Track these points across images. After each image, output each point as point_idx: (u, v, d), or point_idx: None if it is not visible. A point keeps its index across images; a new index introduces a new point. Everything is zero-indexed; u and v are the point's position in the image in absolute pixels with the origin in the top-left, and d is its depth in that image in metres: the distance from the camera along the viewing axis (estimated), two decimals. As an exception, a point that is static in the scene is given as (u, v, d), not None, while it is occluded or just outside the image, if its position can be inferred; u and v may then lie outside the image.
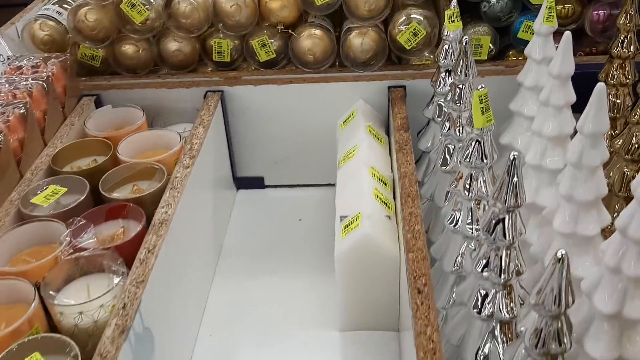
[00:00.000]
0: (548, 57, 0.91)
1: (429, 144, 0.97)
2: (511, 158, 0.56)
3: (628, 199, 0.87)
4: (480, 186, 0.71)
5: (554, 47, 0.91)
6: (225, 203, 1.12)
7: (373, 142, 0.96)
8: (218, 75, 1.09)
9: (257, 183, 1.17)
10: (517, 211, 0.58)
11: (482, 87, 0.67)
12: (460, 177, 0.73)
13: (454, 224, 0.75)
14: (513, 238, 0.59)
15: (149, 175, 0.88)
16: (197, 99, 1.07)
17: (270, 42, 1.08)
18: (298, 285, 0.96)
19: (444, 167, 0.85)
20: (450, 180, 0.86)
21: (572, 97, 0.81)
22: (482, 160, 0.70)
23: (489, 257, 0.61)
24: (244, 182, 1.17)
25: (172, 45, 1.10)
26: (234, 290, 0.96)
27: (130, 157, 0.93)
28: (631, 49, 0.89)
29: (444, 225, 0.78)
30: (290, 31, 1.06)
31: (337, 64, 1.10)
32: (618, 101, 0.92)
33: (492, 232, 0.59)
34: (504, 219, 0.58)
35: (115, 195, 0.82)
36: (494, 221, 0.59)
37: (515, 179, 0.56)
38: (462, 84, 0.80)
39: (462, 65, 0.79)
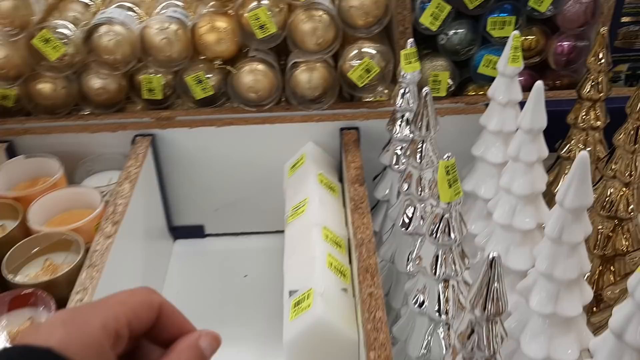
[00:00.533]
0: (514, 99, 0.83)
1: (386, 192, 0.88)
2: (489, 259, 0.46)
3: (604, 257, 0.80)
4: (449, 265, 0.62)
5: (519, 88, 0.83)
6: (159, 259, 1.00)
7: (325, 194, 0.86)
8: (149, 116, 0.97)
9: (196, 232, 1.05)
10: (498, 319, 0.49)
11: (448, 157, 0.57)
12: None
13: (419, 305, 0.65)
14: (494, 350, 0.49)
15: (64, 247, 0.75)
16: (124, 144, 0.95)
17: (207, 78, 0.96)
18: (244, 358, 0.85)
19: (404, 229, 0.75)
20: (411, 242, 0.77)
21: (545, 152, 0.73)
22: (450, 237, 0.61)
23: (465, 369, 0.51)
24: (181, 232, 1.05)
25: (95, 82, 0.97)
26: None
27: (46, 220, 0.81)
28: (602, 91, 0.82)
29: (407, 303, 0.69)
30: (228, 67, 0.95)
31: (282, 102, 0.99)
32: (589, 148, 0.84)
33: (469, 341, 0.50)
34: (482, 328, 0.49)
35: (19, 279, 0.70)
36: (470, 330, 0.50)
37: (495, 284, 0.47)
38: (423, 140, 0.71)
39: (423, 119, 0.69)
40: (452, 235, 0.60)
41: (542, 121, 0.70)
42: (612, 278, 0.80)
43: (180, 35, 0.92)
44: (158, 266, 0.98)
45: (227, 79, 0.96)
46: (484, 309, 0.48)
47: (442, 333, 0.65)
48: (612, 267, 0.81)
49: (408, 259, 0.77)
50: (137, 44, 0.93)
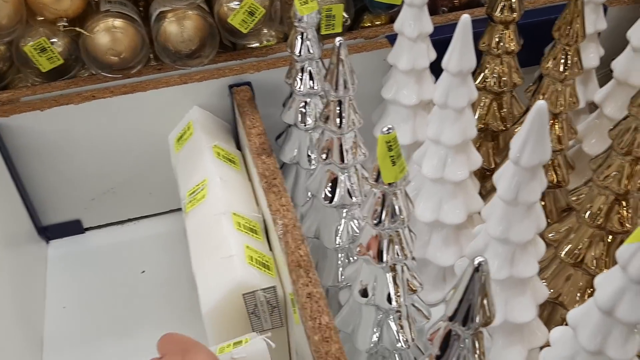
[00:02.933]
0: (425, 32, 0.73)
1: (294, 154, 0.77)
2: (475, 266, 0.37)
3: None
4: (397, 250, 0.53)
5: (429, 19, 0.73)
6: (33, 268, 0.83)
7: (227, 171, 0.73)
8: (-16, 101, 0.77)
9: (72, 228, 0.88)
10: (484, 329, 0.41)
11: (389, 130, 0.47)
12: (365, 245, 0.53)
13: (364, 295, 0.56)
14: (482, 358, 0.42)
15: None
16: (-42, 142, 0.75)
17: (53, 44, 0.77)
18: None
19: (328, 203, 0.65)
20: (337, 216, 0.67)
21: (474, 94, 0.64)
22: (397, 221, 0.51)
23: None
24: (54, 231, 0.88)
25: None
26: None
27: None
28: (516, 11, 0.74)
29: (350, 295, 0.59)
30: (78, 28, 0.76)
31: (151, 60, 0.83)
32: (504, 78, 0.77)
33: (451, 354, 0.41)
34: (467, 341, 0.41)
35: None
36: (453, 342, 0.41)
37: (483, 296, 0.38)
38: (341, 101, 0.59)
39: (339, 76, 0.58)
40: (400, 219, 0.51)
41: (472, 61, 0.61)
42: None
43: (5, -6, 0.72)
44: (33, 278, 0.81)
45: (79, 41, 0.78)
46: (471, 321, 0.39)
47: (394, 322, 0.57)
48: (542, 201, 0.76)
49: (336, 233, 0.68)
50: (-53, 12, 0.71)
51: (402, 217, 0.51)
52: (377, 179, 0.49)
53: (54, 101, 0.77)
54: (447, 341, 0.41)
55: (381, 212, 0.51)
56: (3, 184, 0.77)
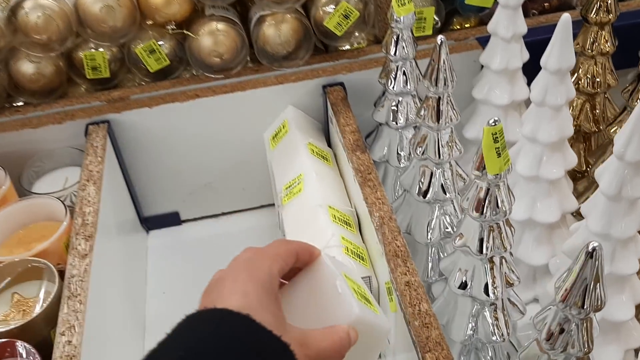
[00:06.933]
0: (519, 33, 0.74)
1: (384, 153, 0.79)
2: (589, 250, 0.38)
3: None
4: (497, 242, 0.54)
5: (524, 20, 0.74)
6: (137, 258, 0.88)
7: (321, 167, 0.76)
8: (98, 99, 0.83)
9: (171, 220, 0.94)
10: (594, 315, 0.42)
11: (495, 122, 0.48)
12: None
13: (462, 286, 0.58)
14: (590, 348, 0.42)
15: (33, 275, 0.63)
16: (76, 135, 0.81)
17: (160, 46, 0.83)
18: None
19: (422, 198, 0.67)
20: (429, 211, 0.69)
21: (572, 93, 0.65)
22: (499, 213, 0.52)
23: (553, 370, 0.44)
24: (155, 222, 0.93)
25: (27, 67, 0.82)
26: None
27: None
28: (612, 12, 0.74)
29: (447, 285, 0.61)
30: (185, 31, 0.81)
31: (249, 62, 0.87)
32: (598, 79, 0.76)
33: (561, 341, 0.42)
34: (577, 326, 0.42)
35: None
36: (561, 329, 0.42)
37: (599, 284, 0.39)
38: (440, 97, 0.61)
39: (440, 73, 0.60)
40: (502, 211, 0.52)
41: (571, 59, 0.62)
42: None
43: (123, 0, 0.78)
44: (137, 266, 0.87)
45: (185, 44, 0.83)
46: (582, 307, 0.40)
47: (490, 314, 0.58)
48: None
49: (427, 228, 0.70)
50: (71, 17, 0.78)
51: (504, 209, 0.52)
52: (481, 170, 0.51)
53: (161, 99, 0.83)
54: (556, 326, 0.42)
55: (484, 203, 0.52)
56: (115, 175, 0.82)
